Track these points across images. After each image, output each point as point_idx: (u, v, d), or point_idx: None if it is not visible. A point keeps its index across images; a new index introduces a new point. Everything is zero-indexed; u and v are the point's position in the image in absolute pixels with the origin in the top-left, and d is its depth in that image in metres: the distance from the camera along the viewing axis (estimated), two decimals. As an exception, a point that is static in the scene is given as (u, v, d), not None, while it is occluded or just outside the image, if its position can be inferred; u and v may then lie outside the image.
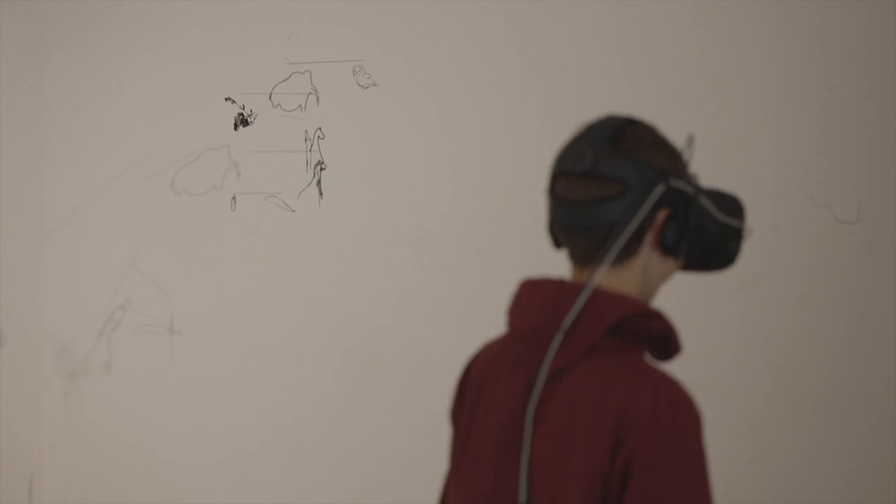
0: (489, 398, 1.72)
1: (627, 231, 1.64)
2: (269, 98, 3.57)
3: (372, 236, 3.49)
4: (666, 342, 1.71)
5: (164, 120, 3.70)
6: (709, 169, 3.23)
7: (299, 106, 3.54)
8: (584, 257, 1.70)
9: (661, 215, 1.67)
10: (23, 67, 3.81)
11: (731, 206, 1.76)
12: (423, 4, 3.43)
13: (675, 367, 3.12)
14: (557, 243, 1.76)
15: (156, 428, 3.72)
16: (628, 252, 1.67)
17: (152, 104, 3.72)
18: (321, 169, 3.54)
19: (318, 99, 3.53)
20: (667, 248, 1.68)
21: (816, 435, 3.10)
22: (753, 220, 3.15)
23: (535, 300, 1.69)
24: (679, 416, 1.59)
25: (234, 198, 3.62)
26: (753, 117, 3.16)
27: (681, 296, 3.17)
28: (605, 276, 1.68)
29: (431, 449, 3.38)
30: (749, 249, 3.13)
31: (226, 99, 3.63)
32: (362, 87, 3.50)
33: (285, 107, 3.56)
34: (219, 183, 3.64)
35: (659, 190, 1.65)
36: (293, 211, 3.56)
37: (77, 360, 3.80)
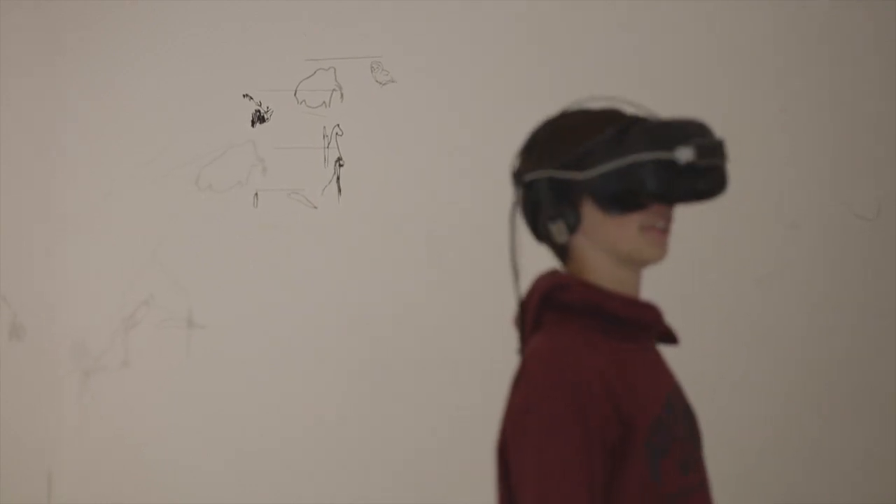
0: None
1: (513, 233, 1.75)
2: (294, 94, 3.58)
3: (390, 232, 3.49)
4: (607, 315, 1.70)
5: (183, 116, 3.71)
6: (731, 157, 3.24)
7: (323, 103, 3.55)
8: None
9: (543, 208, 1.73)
10: (40, 61, 3.82)
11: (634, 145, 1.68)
12: (441, 1, 3.43)
13: (693, 363, 3.14)
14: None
15: (174, 425, 3.73)
16: (557, 245, 1.76)
17: (170, 100, 3.73)
18: (340, 165, 3.55)
19: (342, 95, 3.54)
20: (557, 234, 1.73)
21: (834, 432, 3.10)
22: (772, 217, 3.14)
23: None
24: (527, 392, 1.61)
25: (256, 194, 3.63)
26: (771, 114, 3.15)
27: (697, 292, 3.18)
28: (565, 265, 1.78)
29: (453, 445, 3.39)
30: (767, 246, 3.14)
31: (244, 95, 3.64)
32: (381, 83, 3.51)
33: (309, 103, 3.57)
34: (242, 179, 3.65)
35: (520, 191, 1.74)
36: (315, 207, 3.56)
37: (95, 357, 3.82)
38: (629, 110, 1.76)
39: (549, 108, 2.95)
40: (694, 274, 3.17)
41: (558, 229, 1.70)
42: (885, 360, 3.07)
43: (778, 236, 3.11)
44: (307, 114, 3.56)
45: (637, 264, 1.73)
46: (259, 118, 3.62)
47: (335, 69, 3.54)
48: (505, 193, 3.21)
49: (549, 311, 1.70)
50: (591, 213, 1.70)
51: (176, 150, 3.72)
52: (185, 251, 3.72)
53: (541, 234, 1.75)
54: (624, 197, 1.66)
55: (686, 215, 3.22)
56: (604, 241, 1.70)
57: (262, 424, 3.63)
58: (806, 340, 3.13)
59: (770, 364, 3.15)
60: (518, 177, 1.74)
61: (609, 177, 1.66)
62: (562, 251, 1.76)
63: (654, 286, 3.25)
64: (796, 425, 3.13)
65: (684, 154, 1.64)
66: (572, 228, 1.70)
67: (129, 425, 3.78)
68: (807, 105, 3.13)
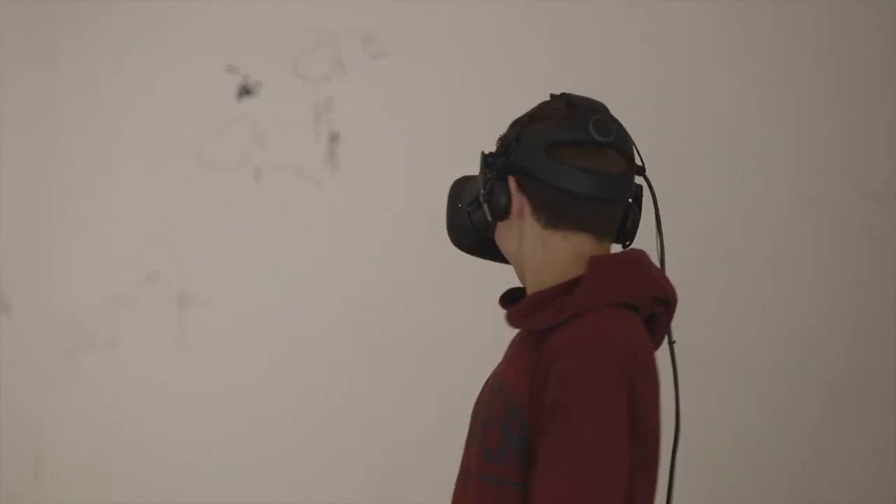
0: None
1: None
2: (291, 68, 3.55)
3: (391, 211, 3.47)
4: None
5: (177, 92, 3.70)
6: (733, 142, 3.24)
7: (320, 75, 3.52)
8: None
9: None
10: (36, 36, 3.81)
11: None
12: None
13: (703, 344, 3.09)
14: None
15: (165, 406, 3.72)
16: None
17: (165, 76, 3.71)
18: (335, 140, 3.52)
19: (341, 69, 3.51)
20: (629, 233, 1.78)
21: (845, 415, 3.09)
22: (782, 197, 3.11)
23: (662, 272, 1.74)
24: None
25: (254, 172, 3.61)
26: (782, 91, 3.12)
27: (707, 273, 3.16)
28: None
29: (453, 436, 3.35)
30: (777, 225, 3.13)
31: (232, 69, 3.61)
32: (373, 56, 3.48)
33: (305, 76, 3.54)
34: (241, 156, 3.63)
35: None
36: (317, 183, 3.54)
37: (85, 336, 3.81)
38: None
39: (554, 84, 2.89)
40: (703, 254, 3.15)
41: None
42: (894, 340, 3.06)
43: (788, 215, 3.09)
44: (300, 88, 3.54)
45: None
46: (246, 91, 3.60)
47: (329, 41, 3.52)
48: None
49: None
50: None
51: (171, 127, 3.71)
52: (179, 230, 3.70)
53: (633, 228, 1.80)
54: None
55: (694, 196, 3.22)
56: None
57: (257, 408, 3.62)
58: (817, 322, 3.12)
59: (780, 345, 3.13)
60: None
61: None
62: None
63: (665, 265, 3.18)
64: (806, 407, 3.11)
65: None
66: None
67: (119, 405, 3.77)
68: (818, 81, 3.11)
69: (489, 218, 1.74)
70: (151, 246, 3.72)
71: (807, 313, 3.12)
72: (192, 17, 3.69)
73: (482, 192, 1.73)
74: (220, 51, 3.63)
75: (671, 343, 1.71)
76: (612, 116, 1.73)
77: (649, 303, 1.67)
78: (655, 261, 1.73)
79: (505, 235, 1.75)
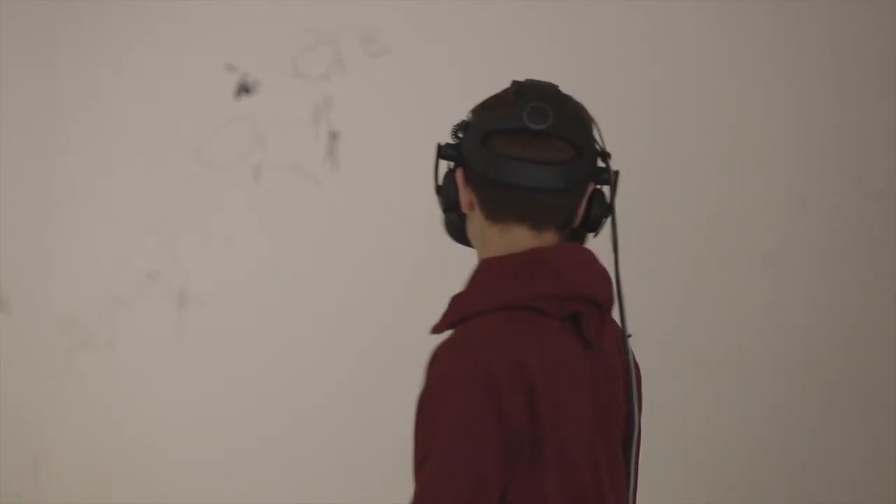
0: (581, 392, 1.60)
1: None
2: (291, 67, 3.55)
3: (391, 208, 3.46)
4: None
5: (176, 91, 3.68)
6: (733, 141, 3.24)
7: (320, 74, 3.52)
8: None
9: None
10: (35, 35, 3.80)
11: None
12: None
13: (701, 344, 3.08)
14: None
15: (167, 405, 3.70)
16: None
17: (164, 75, 3.70)
18: (334, 139, 3.52)
19: (341, 68, 3.51)
20: (591, 223, 1.72)
21: (845, 415, 3.08)
22: (782, 196, 3.11)
23: (598, 267, 1.65)
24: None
25: (254, 170, 3.60)
26: (781, 90, 3.11)
27: (707, 273, 3.16)
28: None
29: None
30: (777, 225, 3.12)
31: (231, 68, 3.60)
32: (372, 55, 3.48)
33: (304, 75, 3.54)
34: (241, 155, 3.62)
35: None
36: (312, 183, 3.54)
37: (85, 334, 3.80)
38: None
39: (550, 75, 2.88)
40: (702, 254, 3.14)
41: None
42: (895, 340, 3.06)
43: (785, 212, 3.08)
44: (299, 87, 3.53)
45: None
46: (245, 90, 3.59)
47: (329, 40, 3.52)
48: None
49: None
50: None
51: (171, 126, 3.69)
52: (179, 229, 3.69)
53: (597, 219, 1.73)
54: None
55: (694, 195, 3.22)
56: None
57: (256, 408, 3.61)
58: (814, 319, 3.11)
59: (777, 343, 3.13)
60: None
61: None
62: None
63: (660, 263, 3.20)
64: (803, 405, 3.11)
65: None
66: None
67: (119, 405, 3.76)
68: (816, 77, 3.10)
69: (441, 210, 1.70)
70: (151, 245, 3.71)
71: (806, 313, 3.12)
72: (191, 15, 3.68)
73: (435, 184, 1.69)
74: (219, 49, 3.62)
75: (626, 338, 1.63)
76: (561, 101, 1.63)
77: (557, 303, 1.58)
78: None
79: (469, 227, 1.71)
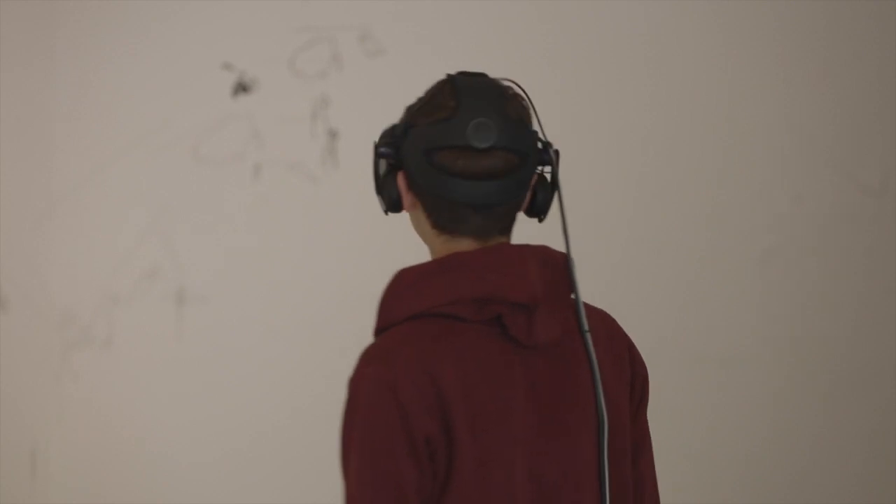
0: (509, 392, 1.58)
1: None
2: (288, 65, 3.54)
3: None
4: None
5: (173, 89, 3.68)
6: (728, 138, 3.24)
7: (317, 72, 3.51)
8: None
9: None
10: (33, 30, 3.79)
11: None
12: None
13: (702, 340, 3.09)
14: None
15: (165, 403, 3.70)
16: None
17: (161, 73, 3.69)
18: (334, 137, 3.52)
19: (338, 66, 3.50)
20: (539, 208, 1.69)
21: (840, 410, 3.08)
22: (777, 191, 3.11)
23: (526, 266, 1.62)
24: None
25: (252, 168, 3.60)
26: (777, 86, 3.11)
27: (702, 268, 3.16)
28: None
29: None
30: (771, 219, 3.12)
31: (227, 67, 3.60)
32: (370, 54, 3.47)
33: (302, 73, 3.53)
34: (233, 152, 3.62)
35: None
36: (310, 181, 3.54)
37: (82, 331, 3.79)
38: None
39: (552, 81, 2.92)
40: (698, 251, 3.14)
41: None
42: (892, 336, 3.05)
43: (782, 210, 3.08)
44: (297, 86, 3.53)
45: None
46: (243, 88, 3.59)
47: (326, 39, 3.51)
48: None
49: None
50: None
51: (168, 123, 3.69)
52: (176, 227, 3.68)
53: (543, 204, 1.68)
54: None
55: (693, 193, 3.22)
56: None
57: (255, 406, 3.61)
58: (811, 316, 3.11)
59: (774, 340, 3.12)
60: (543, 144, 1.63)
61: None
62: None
63: (658, 261, 3.20)
64: (801, 402, 3.10)
65: None
66: None
67: (116, 403, 3.76)
68: (812, 74, 3.09)
69: (383, 210, 1.71)
70: (149, 243, 3.71)
71: (804, 309, 3.12)
72: (188, 14, 3.67)
73: (374, 183, 1.69)
74: (216, 48, 3.62)
75: (584, 332, 1.61)
76: (502, 106, 1.61)
77: (476, 307, 1.57)
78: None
79: (413, 223, 1.73)
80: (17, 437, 3.79)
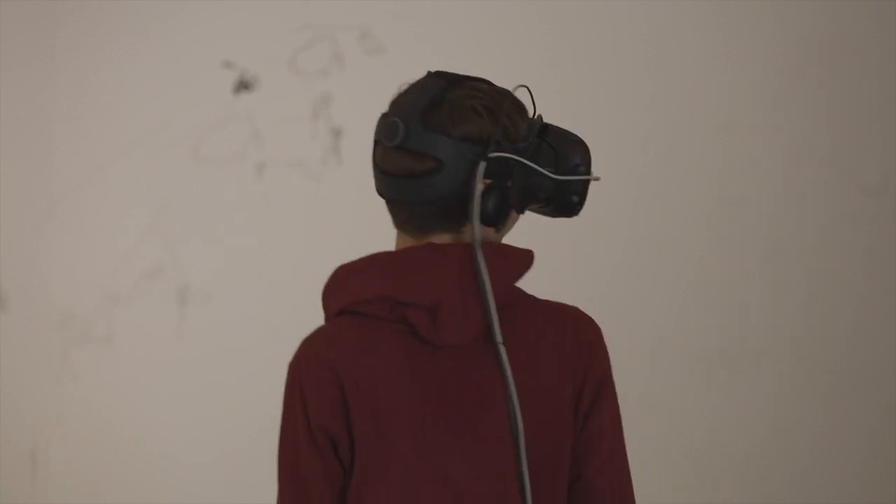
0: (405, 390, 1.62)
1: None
2: (289, 64, 3.54)
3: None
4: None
5: (174, 88, 3.68)
6: (728, 136, 3.24)
7: (318, 71, 3.51)
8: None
9: (480, 187, 1.62)
10: (33, 30, 3.79)
11: (569, 157, 1.67)
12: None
13: (702, 340, 3.08)
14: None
15: (165, 402, 3.70)
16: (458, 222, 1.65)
17: (162, 72, 3.69)
18: (337, 136, 3.52)
19: (339, 64, 3.50)
20: (487, 218, 1.62)
21: (838, 409, 3.08)
22: (776, 191, 3.11)
23: (445, 268, 1.63)
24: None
25: (254, 167, 3.60)
26: (775, 84, 3.11)
27: (703, 268, 3.16)
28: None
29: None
30: (772, 219, 3.12)
31: (228, 65, 3.60)
32: (371, 52, 3.47)
33: (302, 72, 3.53)
34: (235, 151, 3.62)
35: (481, 167, 1.61)
36: (311, 179, 3.54)
37: (82, 331, 3.79)
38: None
39: (551, 80, 2.91)
40: (698, 250, 3.14)
41: (513, 215, 1.66)
42: (891, 337, 3.05)
43: (783, 210, 3.08)
44: (298, 84, 3.53)
45: None
46: (244, 86, 3.59)
47: (326, 38, 3.51)
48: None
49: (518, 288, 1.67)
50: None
51: (169, 122, 3.69)
52: (178, 226, 3.69)
53: (496, 213, 1.64)
54: (542, 200, 1.66)
55: (689, 190, 3.22)
56: (500, 231, 1.68)
57: (256, 405, 3.60)
58: (813, 316, 3.11)
59: (776, 340, 3.12)
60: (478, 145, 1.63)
61: (558, 183, 1.65)
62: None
63: (659, 261, 3.20)
64: (801, 402, 3.10)
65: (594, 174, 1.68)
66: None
67: (117, 402, 3.76)
68: (814, 73, 3.09)
69: None
70: (149, 243, 3.71)
71: (805, 309, 3.11)
72: (188, 13, 3.67)
73: None
74: (217, 47, 3.62)
75: (496, 344, 1.59)
76: (424, 113, 1.65)
77: (389, 307, 1.62)
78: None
79: None
80: (17, 437, 3.78)
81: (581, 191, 1.67)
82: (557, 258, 3.02)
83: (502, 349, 1.58)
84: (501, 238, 1.69)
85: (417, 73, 3.22)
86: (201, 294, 3.67)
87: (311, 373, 1.66)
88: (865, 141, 3.07)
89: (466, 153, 1.61)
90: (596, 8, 3.24)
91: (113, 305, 3.75)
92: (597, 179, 1.68)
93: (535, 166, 1.63)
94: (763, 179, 3.13)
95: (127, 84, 3.75)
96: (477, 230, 1.59)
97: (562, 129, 1.71)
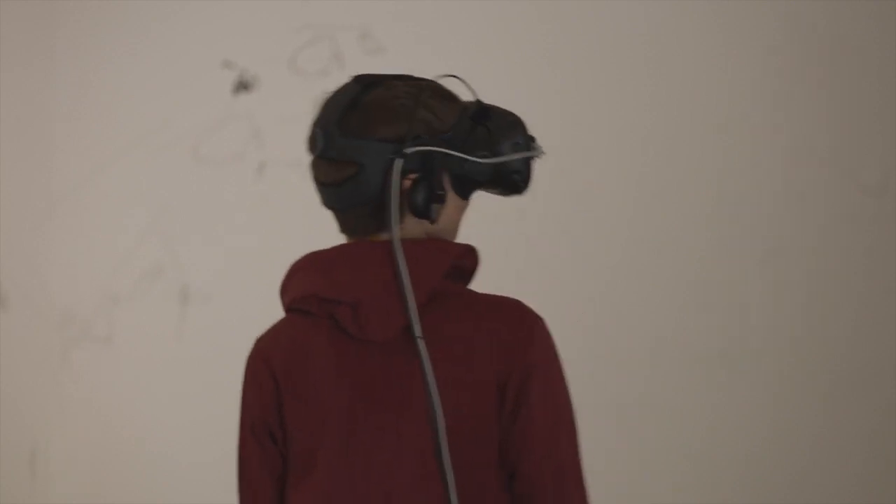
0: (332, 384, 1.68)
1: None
2: (289, 64, 3.55)
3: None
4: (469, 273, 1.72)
5: (174, 88, 3.68)
6: (728, 136, 3.24)
7: (318, 70, 3.52)
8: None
9: (407, 182, 1.65)
10: (33, 30, 3.80)
11: (503, 138, 1.70)
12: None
13: (702, 340, 3.07)
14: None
15: (165, 402, 3.70)
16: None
17: (161, 72, 3.70)
18: None
19: (339, 64, 3.50)
20: (418, 211, 1.64)
21: (838, 409, 3.08)
22: (776, 191, 3.11)
23: (366, 265, 1.69)
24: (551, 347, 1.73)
25: (255, 166, 3.60)
26: (775, 84, 3.11)
27: (703, 268, 3.16)
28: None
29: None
30: (772, 219, 3.12)
31: (228, 65, 3.60)
32: (371, 52, 3.47)
33: (302, 71, 3.54)
34: (235, 151, 3.62)
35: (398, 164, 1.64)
36: (310, 180, 3.53)
37: (82, 331, 3.80)
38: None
39: (550, 80, 2.91)
40: (697, 250, 3.14)
41: (437, 207, 1.66)
42: (891, 337, 3.05)
43: (783, 210, 3.08)
44: (298, 84, 3.53)
45: None
46: (242, 86, 3.59)
47: (328, 37, 3.51)
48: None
49: (453, 281, 1.68)
50: (449, 191, 1.68)
51: (169, 122, 3.69)
52: (177, 226, 3.69)
53: (425, 206, 1.66)
54: (484, 184, 1.69)
55: (688, 190, 3.22)
56: (447, 220, 1.69)
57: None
58: (812, 317, 3.10)
59: (776, 340, 3.12)
60: (412, 142, 1.65)
61: (494, 165, 1.67)
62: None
63: (659, 261, 3.20)
64: (801, 403, 3.10)
65: (538, 150, 1.71)
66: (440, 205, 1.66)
67: (117, 402, 3.76)
68: (814, 73, 3.09)
69: None
70: (149, 243, 3.71)
71: (805, 309, 3.11)
72: (188, 13, 3.68)
73: None
74: (216, 47, 3.62)
75: (417, 339, 1.61)
76: (342, 119, 1.69)
77: (318, 303, 1.72)
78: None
79: None
80: (17, 437, 3.78)
81: (522, 169, 1.70)
82: (557, 258, 3.03)
83: (422, 343, 1.60)
84: (455, 229, 1.72)
85: (418, 73, 3.22)
86: (201, 294, 3.67)
87: (253, 366, 1.83)
88: (865, 141, 3.06)
89: (384, 153, 1.64)
90: (596, 8, 3.24)
91: (113, 305, 3.76)
92: (532, 157, 1.71)
93: (460, 154, 1.65)
94: (763, 179, 3.12)
95: (127, 84, 3.75)
96: (396, 227, 1.62)
97: (501, 109, 1.74)
